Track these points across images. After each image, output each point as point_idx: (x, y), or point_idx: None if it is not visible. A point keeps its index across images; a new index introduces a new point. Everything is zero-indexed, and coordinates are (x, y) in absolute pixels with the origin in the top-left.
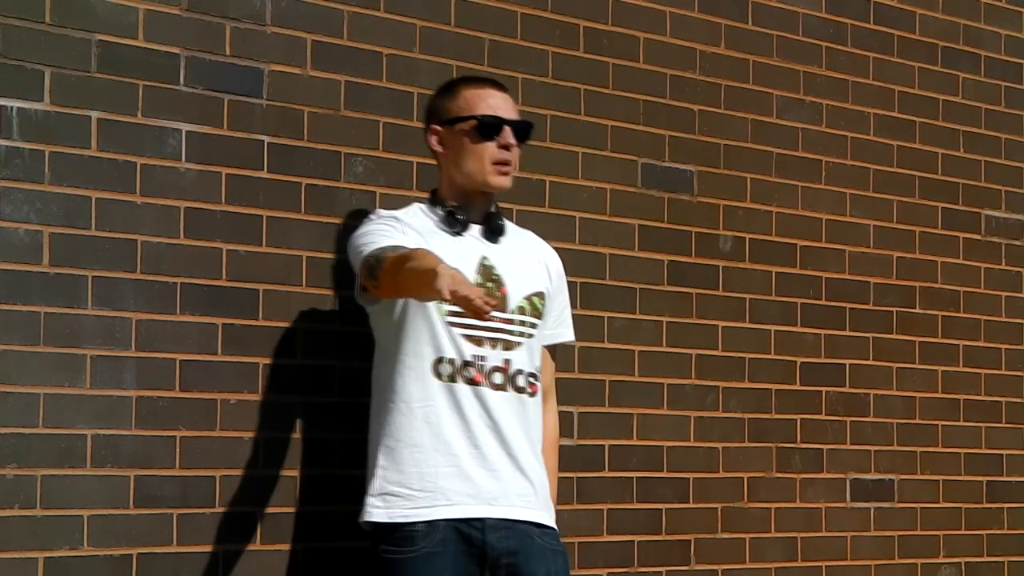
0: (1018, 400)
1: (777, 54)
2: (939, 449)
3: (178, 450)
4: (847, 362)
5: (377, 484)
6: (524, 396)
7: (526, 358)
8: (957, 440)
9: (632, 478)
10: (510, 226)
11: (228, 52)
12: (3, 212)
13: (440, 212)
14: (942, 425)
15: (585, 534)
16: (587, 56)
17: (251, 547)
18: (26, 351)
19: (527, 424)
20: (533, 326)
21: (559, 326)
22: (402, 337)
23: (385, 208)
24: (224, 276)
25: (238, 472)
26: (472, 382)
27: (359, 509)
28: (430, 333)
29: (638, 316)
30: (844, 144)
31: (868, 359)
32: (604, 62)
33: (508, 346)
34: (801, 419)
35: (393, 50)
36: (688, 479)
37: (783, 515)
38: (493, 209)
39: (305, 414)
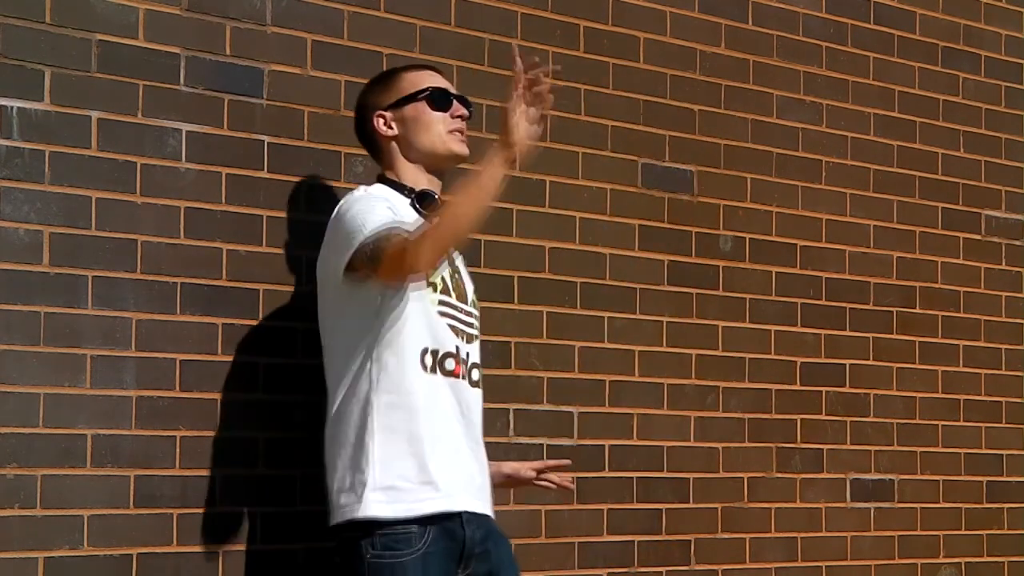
0: (1018, 400)
1: (777, 54)
2: (939, 449)
3: (178, 450)
4: (847, 362)
5: (378, 477)
6: (479, 390)
7: (479, 351)
8: (957, 440)
9: (632, 478)
10: None
11: (228, 52)
12: (3, 212)
13: (409, 195)
14: (942, 425)
15: (585, 534)
16: (587, 56)
17: (251, 547)
18: (26, 351)
19: (480, 418)
20: (478, 320)
21: None
22: (386, 326)
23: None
24: (224, 276)
25: (238, 472)
26: (452, 374)
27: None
28: (421, 323)
29: (638, 316)
30: (844, 144)
31: (868, 359)
32: (604, 62)
33: (470, 339)
34: (801, 419)
35: (393, 50)
36: (688, 479)
37: (783, 515)
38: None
39: (305, 414)
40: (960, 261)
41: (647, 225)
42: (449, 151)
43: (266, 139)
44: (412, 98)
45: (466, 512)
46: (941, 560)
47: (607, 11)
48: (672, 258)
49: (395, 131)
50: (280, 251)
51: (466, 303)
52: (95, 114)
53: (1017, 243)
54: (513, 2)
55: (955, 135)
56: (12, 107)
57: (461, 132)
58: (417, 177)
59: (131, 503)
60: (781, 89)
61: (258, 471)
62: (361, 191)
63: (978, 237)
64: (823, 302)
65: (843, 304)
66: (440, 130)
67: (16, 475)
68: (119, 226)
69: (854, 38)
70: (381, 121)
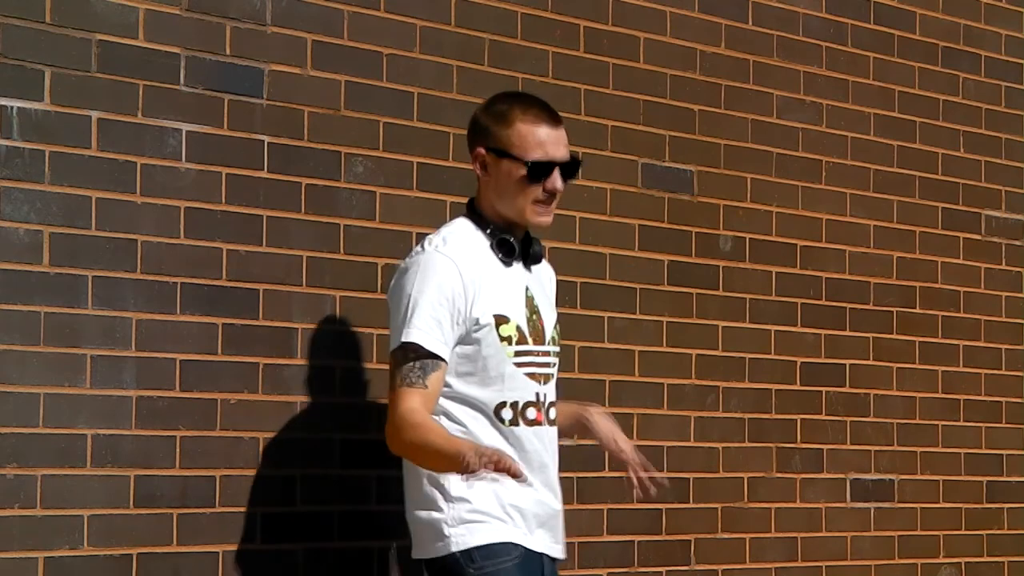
0: (1018, 400)
1: (777, 54)
2: (939, 449)
3: (178, 450)
4: (847, 362)
5: (455, 514)
6: (555, 427)
7: (554, 389)
8: (957, 440)
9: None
10: None
11: (228, 52)
12: (3, 212)
13: (490, 237)
14: (942, 425)
15: (585, 534)
16: (587, 56)
17: (251, 547)
18: (26, 351)
19: (556, 457)
20: (558, 355)
21: None
22: (457, 386)
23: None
24: (224, 276)
25: (238, 472)
26: (534, 422)
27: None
28: (495, 376)
29: (638, 316)
30: (844, 144)
31: (868, 359)
32: (604, 62)
33: (547, 379)
34: (801, 419)
35: (393, 50)
36: (688, 479)
37: (783, 515)
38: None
39: (305, 414)
40: (960, 261)
41: (647, 225)
42: (527, 223)
43: (266, 139)
44: (512, 159)
45: (545, 555)
46: (941, 560)
47: (607, 11)
48: (672, 258)
49: (488, 175)
50: (280, 251)
51: (543, 343)
52: (95, 114)
53: (1017, 243)
54: (513, 2)
55: (955, 135)
56: (12, 107)
57: (549, 201)
58: (500, 217)
59: (131, 503)
60: (781, 89)
61: (258, 471)
62: (431, 249)
63: (978, 237)
64: (823, 302)
65: (843, 304)
66: (526, 200)
67: (16, 475)
68: (119, 226)
69: (854, 38)
70: (478, 163)
